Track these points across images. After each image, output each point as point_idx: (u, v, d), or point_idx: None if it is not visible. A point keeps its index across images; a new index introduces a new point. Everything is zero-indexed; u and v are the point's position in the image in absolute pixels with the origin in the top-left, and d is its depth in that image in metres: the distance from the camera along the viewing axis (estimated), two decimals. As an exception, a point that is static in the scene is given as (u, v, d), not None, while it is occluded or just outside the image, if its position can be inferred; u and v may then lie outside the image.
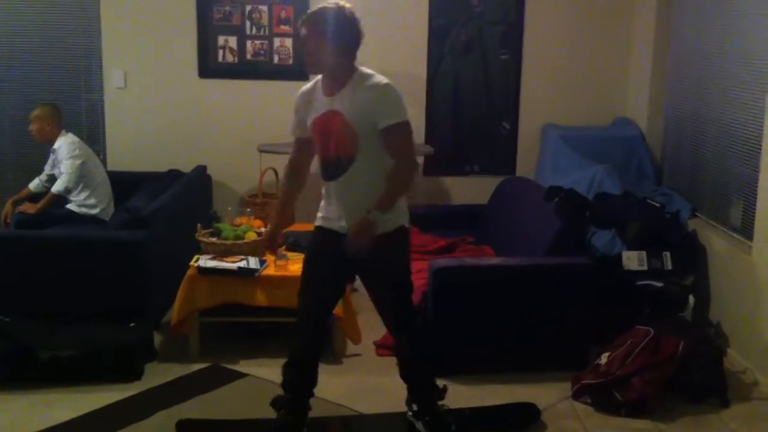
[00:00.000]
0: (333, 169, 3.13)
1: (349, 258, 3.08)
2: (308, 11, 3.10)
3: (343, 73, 3.09)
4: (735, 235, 4.42)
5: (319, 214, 3.30)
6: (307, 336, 3.34)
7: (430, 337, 3.95)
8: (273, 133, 5.84)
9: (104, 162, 5.77)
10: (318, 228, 3.30)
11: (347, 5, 3.07)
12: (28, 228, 4.93)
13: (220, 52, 5.87)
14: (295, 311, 3.38)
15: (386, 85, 3.06)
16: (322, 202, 3.29)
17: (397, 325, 3.36)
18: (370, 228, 3.03)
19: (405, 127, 3.06)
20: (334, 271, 3.26)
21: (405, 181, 3.11)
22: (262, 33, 5.86)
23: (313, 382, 3.37)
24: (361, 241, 3.03)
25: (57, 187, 5.15)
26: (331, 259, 3.21)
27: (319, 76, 3.19)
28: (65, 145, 5.18)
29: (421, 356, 3.40)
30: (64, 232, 4.74)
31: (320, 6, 3.08)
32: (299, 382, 3.34)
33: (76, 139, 5.26)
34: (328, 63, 3.07)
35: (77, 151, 5.17)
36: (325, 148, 3.15)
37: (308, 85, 3.25)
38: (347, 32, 3.06)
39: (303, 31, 3.07)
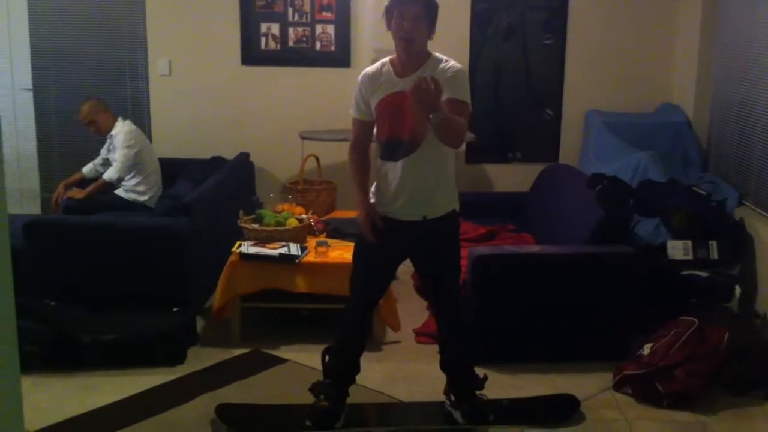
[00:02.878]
0: (399, 150, 3.11)
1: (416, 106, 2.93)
2: None
3: (421, 55, 3.13)
4: (784, 224, 4.32)
5: (372, 200, 3.27)
6: (356, 322, 3.37)
7: (470, 325, 3.95)
8: (315, 120, 5.86)
9: (150, 149, 5.84)
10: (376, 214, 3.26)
11: None
12: (75, 213, 5.03)
13: (263, 39, 5.89)
14: (347, 297, 3.40)
15: (460, 68, 3.12)
16: (375, 186, 3.27)
17: (444, 310, 3.37)
18: (437, 92, 2.83)
19: (465, 106, 3.07)
20: (386, 257, 3.27)
21: (460, 127, 2.99)
22: (304, 20, 5.86)
23: (357, 369, 3.40)
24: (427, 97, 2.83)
25: (108, 175, 5.24)
26: (384, 245, 3.20)
27: (385, 59, 3.20)
28: (122, 133, 5.26)
29: (463, 345, 3.40)
30: (109, 219, 4.81)
31: None
32: (343, 369, 3.37)
33: (133, 127, 5.33)
34: (422, 45, 3.12)
35: (132, 141, 5.24)
36: (393, 129, 3.13)
37: (372, 67, 3.23)
38: (436, 19, 3.13)
39: (413, 9, 3.06)
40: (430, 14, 3.08)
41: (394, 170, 3.14)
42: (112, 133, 5.29)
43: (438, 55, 3.15)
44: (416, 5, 3.05)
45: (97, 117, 5.29)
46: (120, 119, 5.35)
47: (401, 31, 3.07)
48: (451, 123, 2.95)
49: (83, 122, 5.33)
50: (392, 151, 3.14)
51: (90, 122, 5.31)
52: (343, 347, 3.38)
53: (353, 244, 4.38)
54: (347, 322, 3.39)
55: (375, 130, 3.24)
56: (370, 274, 3.31)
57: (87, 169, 5.47)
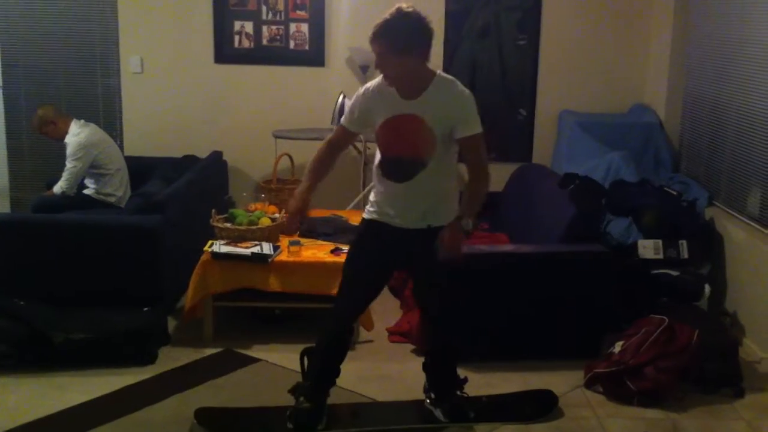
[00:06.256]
0: (403, 171, 3.10)
1: (441, 261, 3.06)
2: (376, 26, 2.98)
3: (422, 77, 3.05)
4: (753, 223, 4.36)
5: (371, 209, 3.25)
6: (342, 327, 3.34)
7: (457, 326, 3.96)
8: (288, 119, 5.85)
9: (121, 147, 5.78)
10: (370, 221, 3.25)
11: (410, 8, 3.00)
12: (46, 211, 4.97)
13: (236, 37, 5.86)
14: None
15: (470, 95, 3.07)
16: (375, 198, 3.25)
17: (437, 315, 3.37)
18: (463, 235, 3.07)
19: (482, 138, 3.09)
20: (384, 264, 3.28)
21: (485, 189, 3.16)
22: (278, 18, 5.84)
23: (337, 372, 3.38)
24: (456, 248, 3.06)
25: (55, 188, 5.18)
26: (383, 252, 3.21)
27: None
28: (72, 144, 5.15)
29: (451, 347, 3.42)
30: (79, 217, 4.76)
31: (384, 19, 2.98)
32: (325, 373, 3.34)
33: (84, 135, 5.18)
34: (409, 74, 3.02)
35: (81, 153, 5.13)
36: (398, 150, 3.12)
37: (374, 82, 3.16)
38: (420, 37, 2.99)
39: (375, 48, 2.99)
40: (393, 46, 2.94)
41: (398, 190, 3.13)
42: (66, 140, 5.19)
43: (443, 75, 3.08)
44: (375, 43, 3.00)
45: (46, 129, 5.22)
46: (74, 123, 5.22)
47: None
48: (477, 206, 3.13)
49: (37, 130, 5.27)
50: (395, 170, 3.13)
51: (42, 133, 5.26)
52: (327, 352, 3.33)
53: (327, 243, 4.44)
54: (333, 327, 3.34)
55: (378, 146, 3.21)
56: (366, 281, 3.28)
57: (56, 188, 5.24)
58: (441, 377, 3.44)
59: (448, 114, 3.02)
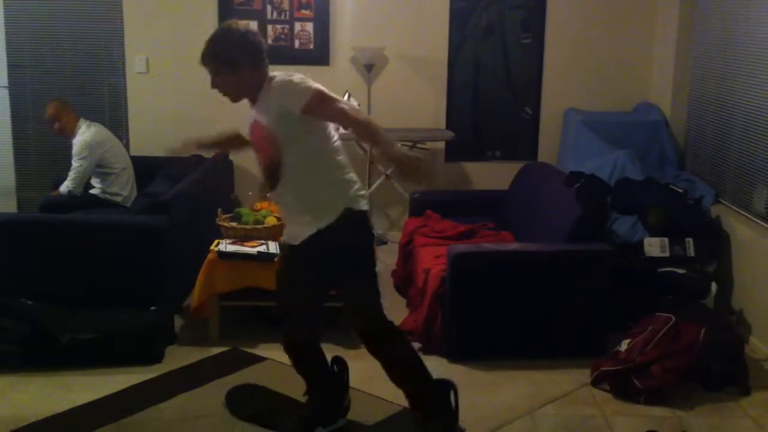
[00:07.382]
0: (270, 179, 2.99)
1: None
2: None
3: (256, 85, 2.97)
4: (759, 221, 4.36)
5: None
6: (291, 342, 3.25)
7: (449, 322, 3.97)
8: (294, 118, 5.84)
9: (126, 146, 5.79)
10: (282, 243, 3.19)
11: (233, 24, 2.99)
12: (52, 211, 4.99)
13: (241, 36, 5.86)
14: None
15: (284, 78, 2.90)
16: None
17: (375, 314, 3.17)
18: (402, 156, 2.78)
19: (319, 93, 2.86)
20: (302, 288, 3.13)
21: (365, 125, 2.90)
22: (283, 17, 5.85)
23: (322, 369, 3.31)
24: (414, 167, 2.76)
25: (62, 188, 5.21)
26: (293, 276, 3.12)
27: None
28: (79, 142, 5.19)
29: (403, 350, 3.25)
30: (86, 217, 4.78)
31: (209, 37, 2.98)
32: (307, 372, 3.30)
33: (90, 134, 5.22)
34: (240, 91, 3.01)
35: (87, 152, 5.17)
36: (260, 158, 3.04)
37: None
38: (236, 50, 2.93)
39: (209, 68, 3.00)
40: (223, 63, 2.94)
41: (278, 198, 3.09)
42: (73, 140, 5.22)
43: (274, 75, 2.95)
44: (207, 66, 3.00)
45: (62, 116, 5.23)
46: (81, 122, 5.26)
47: None
48: (371, 131, 2.88)
49: (48, 121, 5.27)
50: (267, 179, 3.03)
51: (54, 119, 5.24)
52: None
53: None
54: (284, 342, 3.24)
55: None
56: (291, 306, 3.19)
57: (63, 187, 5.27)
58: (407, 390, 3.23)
59: (275, 107, 2.87)
